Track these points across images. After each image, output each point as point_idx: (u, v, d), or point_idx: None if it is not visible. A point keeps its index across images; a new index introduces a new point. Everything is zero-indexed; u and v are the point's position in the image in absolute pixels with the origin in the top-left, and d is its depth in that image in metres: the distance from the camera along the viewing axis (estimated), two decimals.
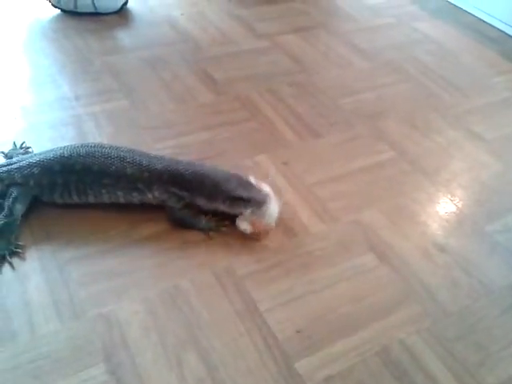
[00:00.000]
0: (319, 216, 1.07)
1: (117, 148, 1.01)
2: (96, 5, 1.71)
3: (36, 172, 0.98)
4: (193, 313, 0.86)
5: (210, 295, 0.90)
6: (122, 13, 1.78)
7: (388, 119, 1.38)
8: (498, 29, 1.90)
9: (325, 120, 1.35)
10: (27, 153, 1.12)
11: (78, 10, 1.72)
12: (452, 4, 2.06)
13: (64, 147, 1.01)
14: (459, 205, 1.13)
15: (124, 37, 1.67)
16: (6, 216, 0.95)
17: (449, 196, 1.15)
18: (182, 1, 1.94)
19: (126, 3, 1.79)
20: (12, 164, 1.00)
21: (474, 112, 1.44)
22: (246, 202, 0.97)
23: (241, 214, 0.98)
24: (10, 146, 1.15)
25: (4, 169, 1.00)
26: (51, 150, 1.01)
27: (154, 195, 1.00)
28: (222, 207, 0.99)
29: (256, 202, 0.97)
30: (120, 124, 1.27)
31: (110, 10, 1.75)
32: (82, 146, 1.01)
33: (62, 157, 0.98)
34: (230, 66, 1.55)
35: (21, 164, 1.00)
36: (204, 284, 0.91)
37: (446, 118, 1.41)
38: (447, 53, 1.73)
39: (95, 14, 1.73)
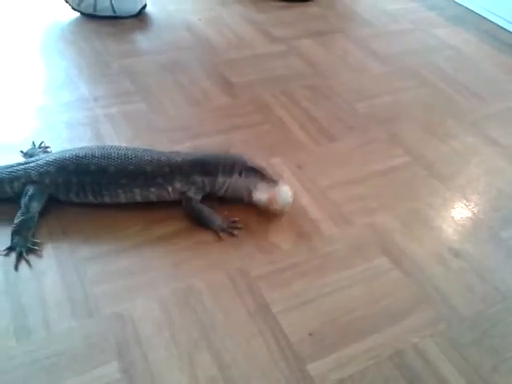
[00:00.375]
0: (333, 219, 1.06)
1: (133, 149, 1.02)
2: (115, 8, 1.73)
3: (52, 171, 0.99)
4: (206, 312, 0.87)
5: (223, 295, 0.90)
6: (140, 17, 1.80)
7: (404, 124, 1.38)
8: None
9: (340, 124, 1.35)
10: (46, 152, 1.14)
11: (97, 14, 1.74)
12: (470, 10, 2.05)
13: (81, 148, 1.02)
14: (475, 210, 1.12)
15: (142, 40, 1.70)
16: (22, 213, 0.97)
17: (464, 201, 1.14)
18: (199, 6, 1.96)
19: (144, 7, 1.82)
20: (29, 162, 1.02)
21: (491, 118, 1.43)
22: (261, 174, 1.03)
23: (255, 187, 1.02)
24: (29, 146, 1.17)
25: (21, 167, 1.01)
26: (69, 150, 1.03)
27: (174, 187, 1.02)
28: (239, 180, 1.03)
29: (271, 179, 1.03)
30: (137, 126, 1.28)
31: (128, 14, 1.77)
32: (98, 147, 1.02)
33: (77, 157, 1.00)
34: (246, 69, 1.56)
35: (37, 163, 1.01)
36: (217, 284, 0.92)
37: (463, 123, 1.40)
38: (465, 59, 1.72)
39: (114, 18, 1.75)
